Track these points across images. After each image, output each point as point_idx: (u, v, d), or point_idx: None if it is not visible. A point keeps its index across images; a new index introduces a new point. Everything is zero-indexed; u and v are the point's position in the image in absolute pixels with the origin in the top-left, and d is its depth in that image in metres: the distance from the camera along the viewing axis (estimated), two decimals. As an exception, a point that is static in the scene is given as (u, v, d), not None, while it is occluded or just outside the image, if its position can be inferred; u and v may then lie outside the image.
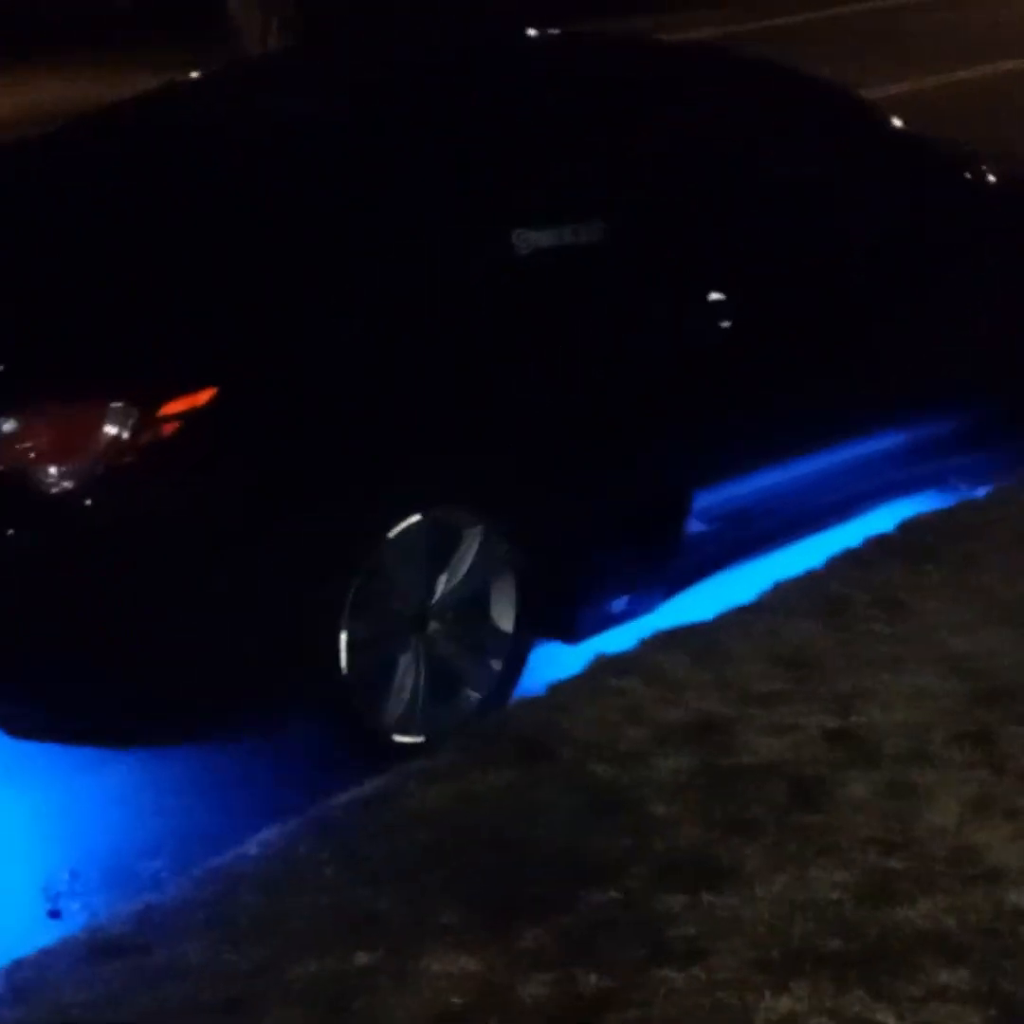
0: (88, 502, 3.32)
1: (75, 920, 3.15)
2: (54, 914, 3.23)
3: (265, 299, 3.56)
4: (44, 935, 3.00)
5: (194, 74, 5.07)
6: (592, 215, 4.01)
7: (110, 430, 3.29)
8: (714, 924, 2.76)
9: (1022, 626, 3.88)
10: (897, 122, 4.89)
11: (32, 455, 3.31)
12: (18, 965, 2.82)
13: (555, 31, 5.07)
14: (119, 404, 3.30)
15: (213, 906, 2.91)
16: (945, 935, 2.69)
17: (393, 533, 3.57)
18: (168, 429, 3.31)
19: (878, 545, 4.43)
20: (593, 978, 2.64)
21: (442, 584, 3.72)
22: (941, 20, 15.19)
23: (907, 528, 4.53)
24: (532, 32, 5.00)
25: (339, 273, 3.68)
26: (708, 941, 2.71)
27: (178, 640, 3.35)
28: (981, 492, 4.87)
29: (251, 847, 3.09)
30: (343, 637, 3.49)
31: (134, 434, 3.29)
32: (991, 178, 4.99)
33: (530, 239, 3.88)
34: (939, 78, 12.46)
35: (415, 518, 3.60)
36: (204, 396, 3.33)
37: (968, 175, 4.93)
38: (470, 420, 3.75)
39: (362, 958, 2.72)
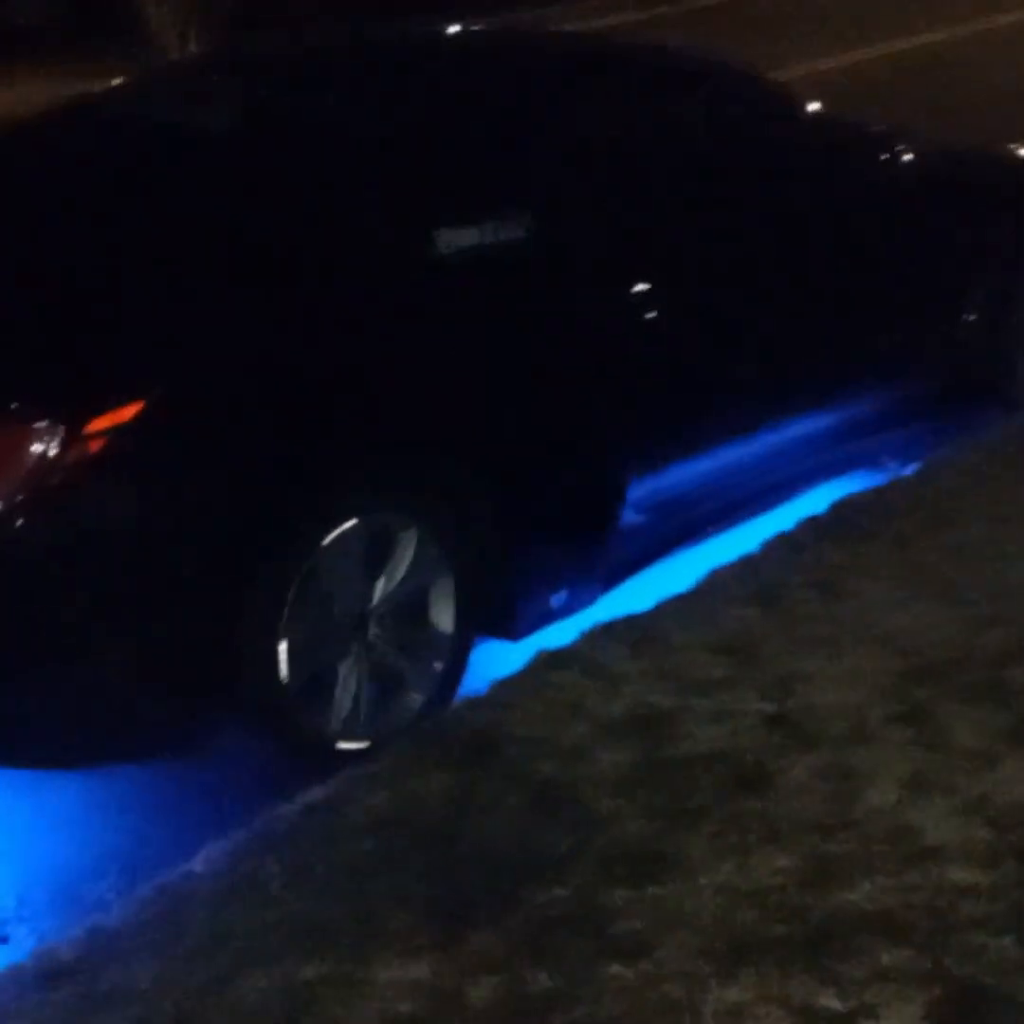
0: (17, 523, 3.29)
1: (23, 946, 3.13)
2: (2, 940, 3.21)
3: (188, 310, 3.54)
4: (-8, 962, 2.99)
5: (113, 82, 5.04)
6: (512, 211, 4.02)
7: (36, 449, 3.27)
8: (660, 916, 2.78)
9: (954, 602, 3.92)
10: (811, 104, 4.93)
11: (-42, 478, 3.28)
12: (-34, 994, 2.80)
13: (469, 26, 5.07)
14: (44, 423, 3.28)
15: (160, 925, 2.91)
16: (887, 916, 2.72)
17: (328, 539, 3.57)
18: (95, 446, 3.29)
19: (811, 527, 4.46)
20: (541, 977, 2.66)
21: (380, 588, 3.72)
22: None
23: (839, 509, 4.57)
24: (449, 28, 5.00)
25: (262, 280, 3.67)
26: (654, 934, 2.73)
27: (113, 658, 3.34)
28: (911, 470, 4.92)
29: (197, 864, 3.08)
30: (282, 645, 3.48)
31: (61, 452, 3.27)
32: (907, 157, 5.03)
33: (451, 238, 3.89)
34: (853, 55, 12.55)
35: (350, 523, 3.60)
36: (130, 411, 3.31)
37: (883, 155, 4.97)
38: (400, 423, 3.75)
39: (310, 970, 2.72)
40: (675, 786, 3.19)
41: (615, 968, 2.66)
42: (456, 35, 5.04)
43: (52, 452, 3.26)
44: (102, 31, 13.39)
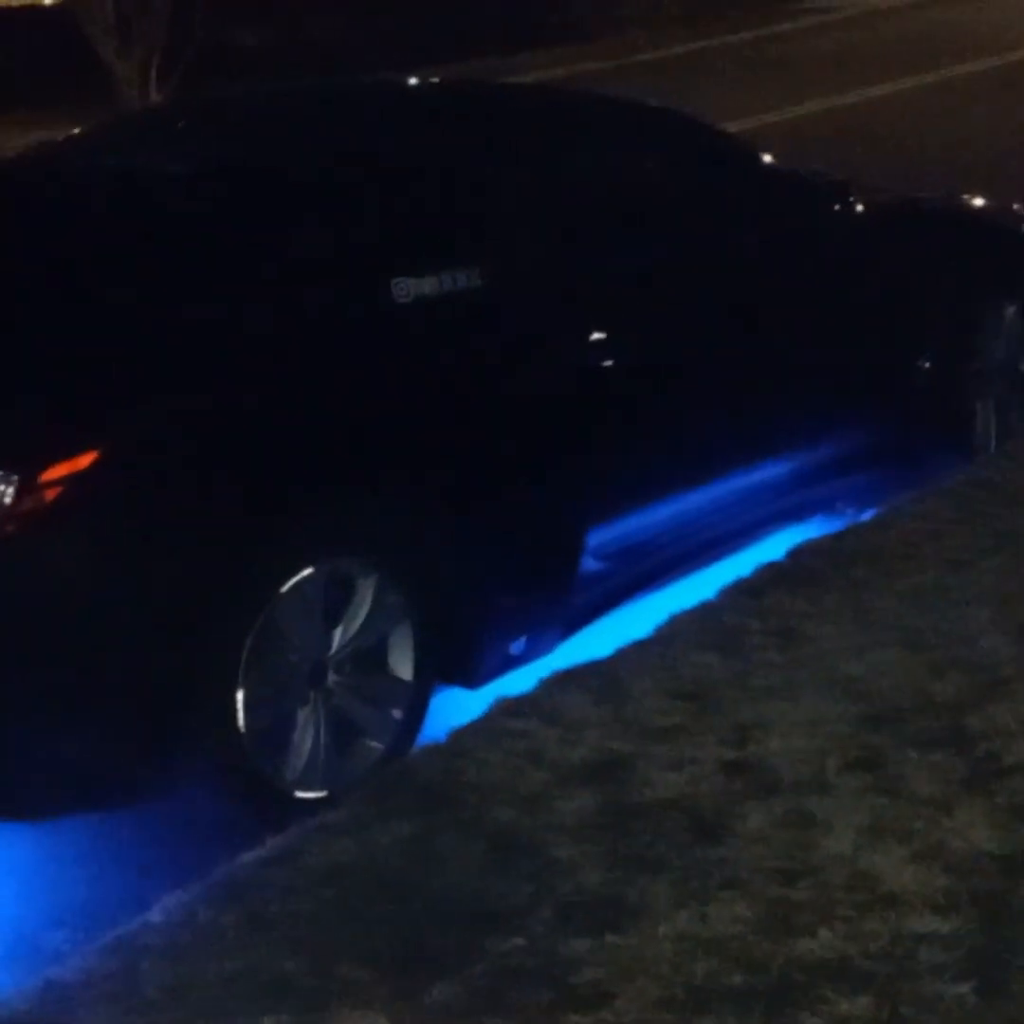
0: (-29, 571, 3.28)
1: (-23, 998, 3.09)
2: (-44, 993, 3.17)
3: (143, 359, 3.54)
4: (-55, 1017, 2.95)
5: (73, 131, 5.05)
6: (470, 261, 4.05)
7: None
8: (619, 965, 2.77)
9: (911, 647, 3.94)
10: (766, 156, 4.99)
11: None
12: (-82, 1050, 2.77)
13: (429, 78, 5.12)
14: None
15: (117, 978, 2.87)
16: (846, 963, 2.72)
17: (285, 587, 3.56)
18: (50, 494, 3.28)
19: (769, 573, 4.49)
20: (501, 1028, 2.64)
21: (338, 636, 3.71)
22: (817, 47, 15.50)
23: (797, 554, 4.59)
24: (407, 80, 5.05)
25: (218, 330, 3.68)
26: (614, 983, 2.73)
27: (70, 708, 3.32)
28: (868, 516, 4.96)
29: (154, 915, 3.05)
30: (240, 695, 3.47)
31: (15, 502, 3.26)
32: (859, 207, 5.09)
33: (410, 287, 3.91)
34: (815, 104, 12.72)
35: (307, 571, 3.60)
36: (85, 460, 3.31)
37: (837, 206, 5.03)
38: (359, 470, 3.75)
39: (269, 1022, 2.70)
40: (635, 834, 3.19)
41: (574, 1018, 2.65)
42: (416, 86, 5.08)
43: (6, 500, 3.26)
44: (71, 80, 13.44)
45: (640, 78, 13.45)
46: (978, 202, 5.82)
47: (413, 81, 5.24)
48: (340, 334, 3.82)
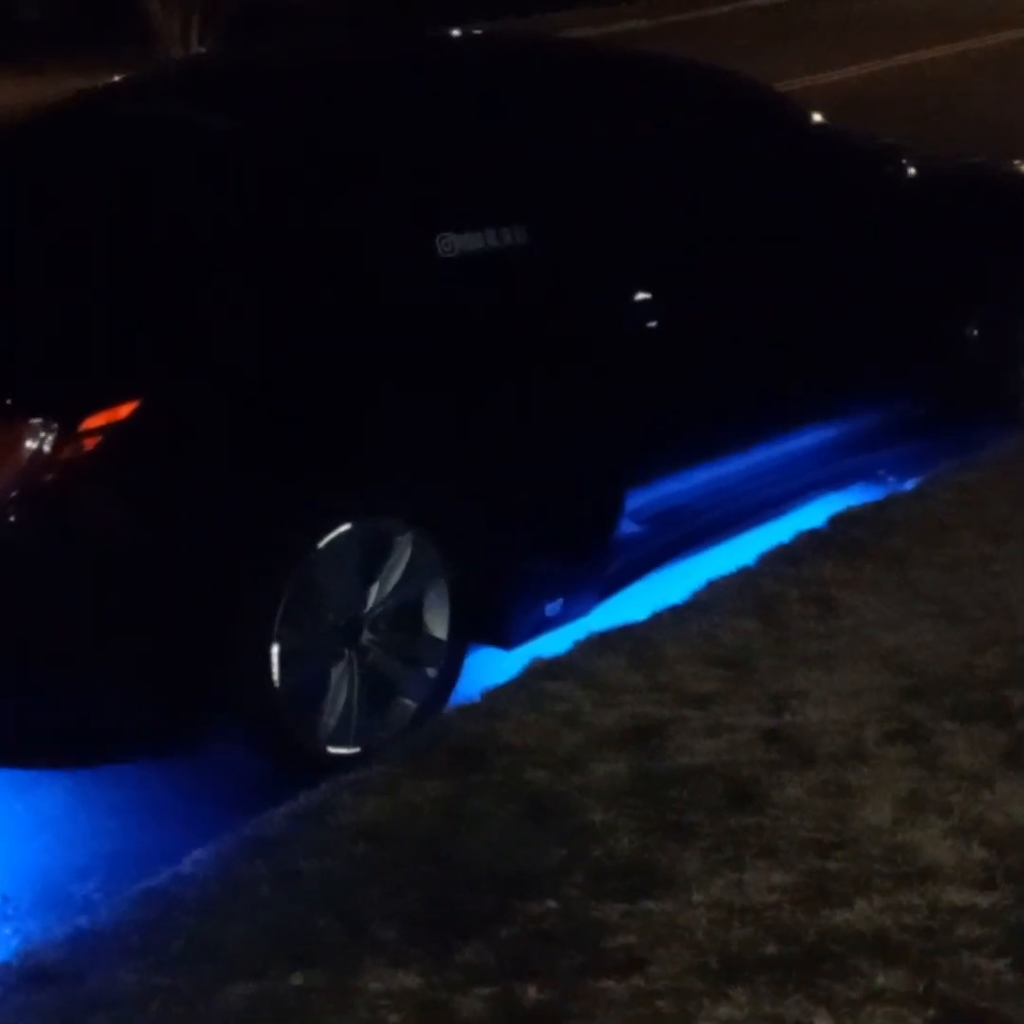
0: (10, 519, 3.26)
1: (7, 946, 3.10)
2: (-14, 941, 3.18)
3: (186, 309, 3.52)
4: (-25, 963, 2.96)
5: (109, 80, 5.01)
6: (516, 219, 4.00)
7: (30, 446, 3.24)
8: (652, 932, 2.75)
9: (950, 619, 3.90)
10: (816, 116, 4.91)
11: (-48, 475, 3.25)
12: (-52, 995, 2.77)
13: (471, 31, 5.05)
14: (39, 420, 3.25)
15: (147, 929, 2.87)
16: (882, 936, 2.69)
17: (323, 543, 3.54)
18: (90, 444, 3.27)
19: (809, 540, 4.44)
20: (532, 991, 2.62)
21: (374, 593, 3.69)
22: (860, 10, 15.32)
23: (837, 523, 4.55)
24: (450, 32, 4.98)
25: (261, 281, 3.64)
26: (647, 949, 2.70)
27: (105, 658, 3.31)
28: (910, 485, 4.91)
29: (185, 867, 3.05)
30: (275, 650, 3.46)
31: (55, 450, 3.24)
32: (912, 171, 5.02)
33: (454, 243, 3.87)
34: (859, 68, 12.56)
35: (345, 527, 3.58)
36: (125, 409, 3.29)
37: (888, 168, 4.95)
38: (399, 427, 3.72)
39: (299, 978, 2.69)
40: (670, 800, 3.16)
41: (607, 983, 2.63)
42: (459, 39, 5.02)
43: (46, 448, 3.24)
44: (105, 30, 13.39)
45: (675, 38, 13.30)
46: (1028, 169, 5.73)
47: (457, 33, 5.17)
48: (384, 289, 3.78)
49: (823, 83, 11.84)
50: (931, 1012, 2.50)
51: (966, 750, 3.27)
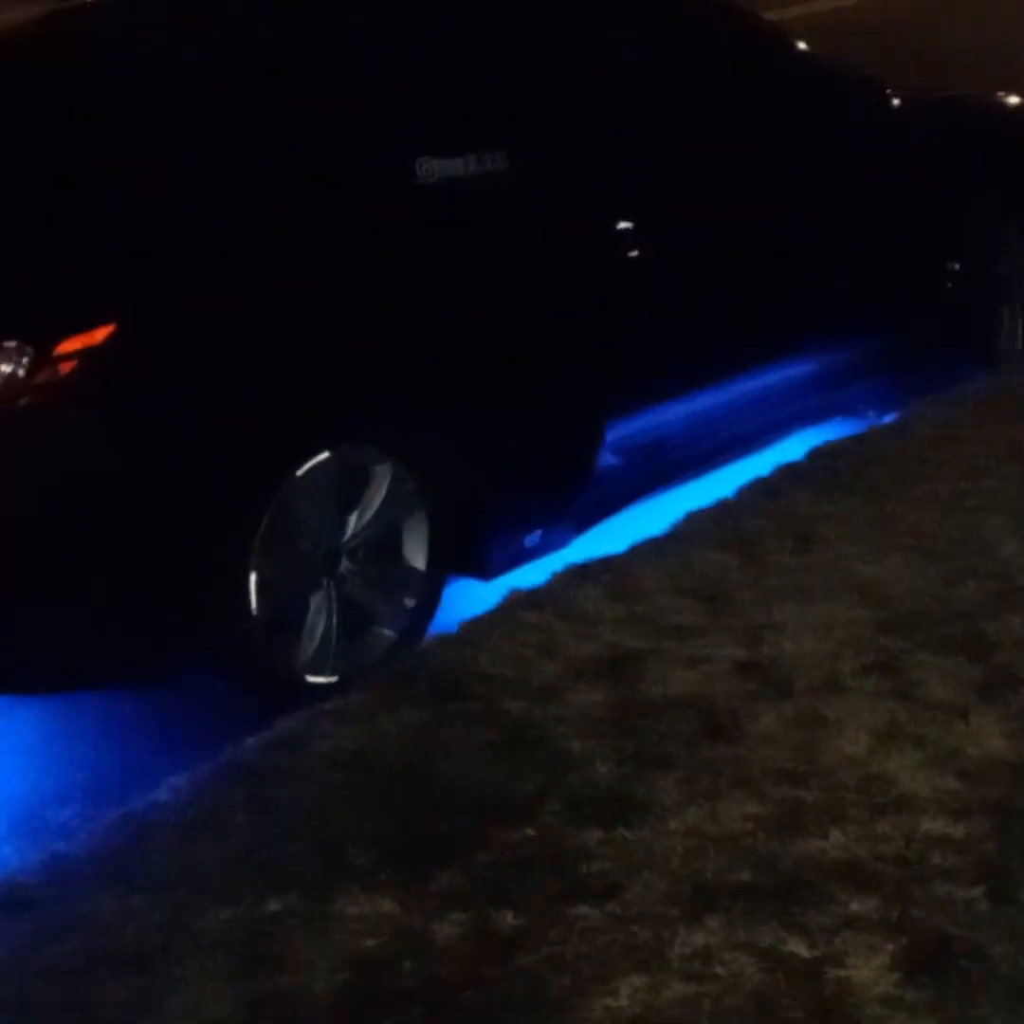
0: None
1: (-17, 872, 3.10)
2: (-38, 866, 3.18)
3: (160, 234, 3.48)
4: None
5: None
6: (496, 143, 3.96)
7: (4, 369, 3.21)
8: (628, 859, 2.76)
9: (927, 553, 3.91)
10: (801, 45, 4.86)
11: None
12: (-75, 919, 2.77)
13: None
14: (13, 343, 3.22)
15: (123, 855, 2.88)
16: (856, 865, 2.70)
17: (301, 471, 3.52)
18: (65, 368, 3.24)
19: (788, 474, 4.44)
20: (508, 917, 2.64)
21: (353, 522, 3.68)
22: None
23: (816, 456, 4.54)
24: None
25: (238, 204, 3.60)
26: (622, 876, 2.72)
27: (81, 585, 3.30)
28: (888, 419, 4.90)
29: (162, 794, 3.05)
30: (252, 578, 3.45)
31: (29, 373, 3.21)
32: (895, 102, 4.98)
33: (434, 168, 3.83)
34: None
35: (323, 456, 3.56)
36: (101, 333, 3.26)
37: (873, 99, 4.91)
38: (376, 355, 3.69)
39: (275, 904, 2.69)
40: (646, 730, 3.17)
41: (582, 909, 2.64)
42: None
43: (21, 372, 3.21)
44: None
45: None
46: (1014, 102, 5.69)
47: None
48: (361, 214, 3.74)
49: (812, 13, 11.71)
50: (904, 939, 2.52)
51: (941, 682, 3.28)
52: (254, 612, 3.46)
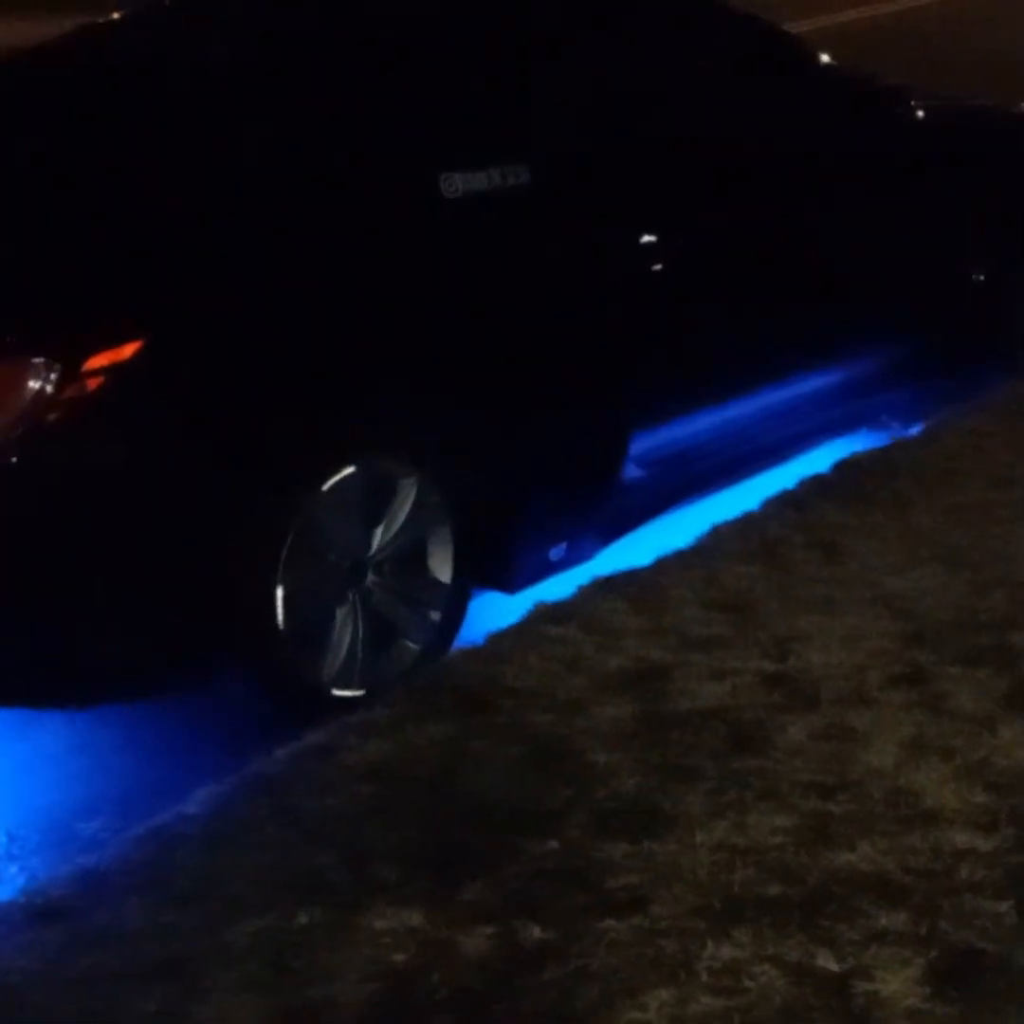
0: (12, 460, 3.25)
1: (13, 883, 3.11)
2: (-8, 878, 3.20)
3: (189, 249, 3.49)
4: (-19, 900, 2.97)
5: (113, 15, 4.95)
6: (519, 157, 3.97)
7: (33, 386, 3.23)
8: (655, 872, 2.76)
9: (953, 564, 3.90)
10: (824, 57, 4.87)
11: (-47, 414, 3.24)
12: (-45, 931, 2.78)
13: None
14: (41, 359, 3.24)
15: (152, 867, 2.89)
16: (885, 878, 2.70)
17: (327, 485, 3.53)
18: (93, 384, 3.25)
19: (813, 485, 4.44)
20: (535, 930, 2.64)
21: (378, 536, 3.69)
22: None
23: (841, 468, 4.55)
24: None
25: (265, 219, 3.62)
26: (649, 889, 2.72)
27: (110, 600, 3.31)
28: (914, 430, 4.90)
29: (190, 806, 3.06)
30: (279, 591, 3.46)
31: (58, 389, 3.23)
32: (919, 113, 4.98)
33: (458, 183, 3.84)
34: (873, 9, 12.44)
35: (349, 470, 3.57)
36: (129, 349, 3.27)
37: (897, 110, 4.92)
38: (403, 369, 3.71)
39: (303, 917, 2.70)
40: (673, 742, 3.17)
41: (609, 922, 2.64)
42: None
43: (49, 388, 3.22)
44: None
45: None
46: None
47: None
48: (387, 230, 3.75)
49: (834, 23, 11.73)
50: (933, 953, 2.52)
51: (969, 694, 3.28)
52: (281, 626, 3.47)
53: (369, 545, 3.68)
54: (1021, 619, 3.60)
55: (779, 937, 2.57)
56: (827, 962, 2.50)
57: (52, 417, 3.23)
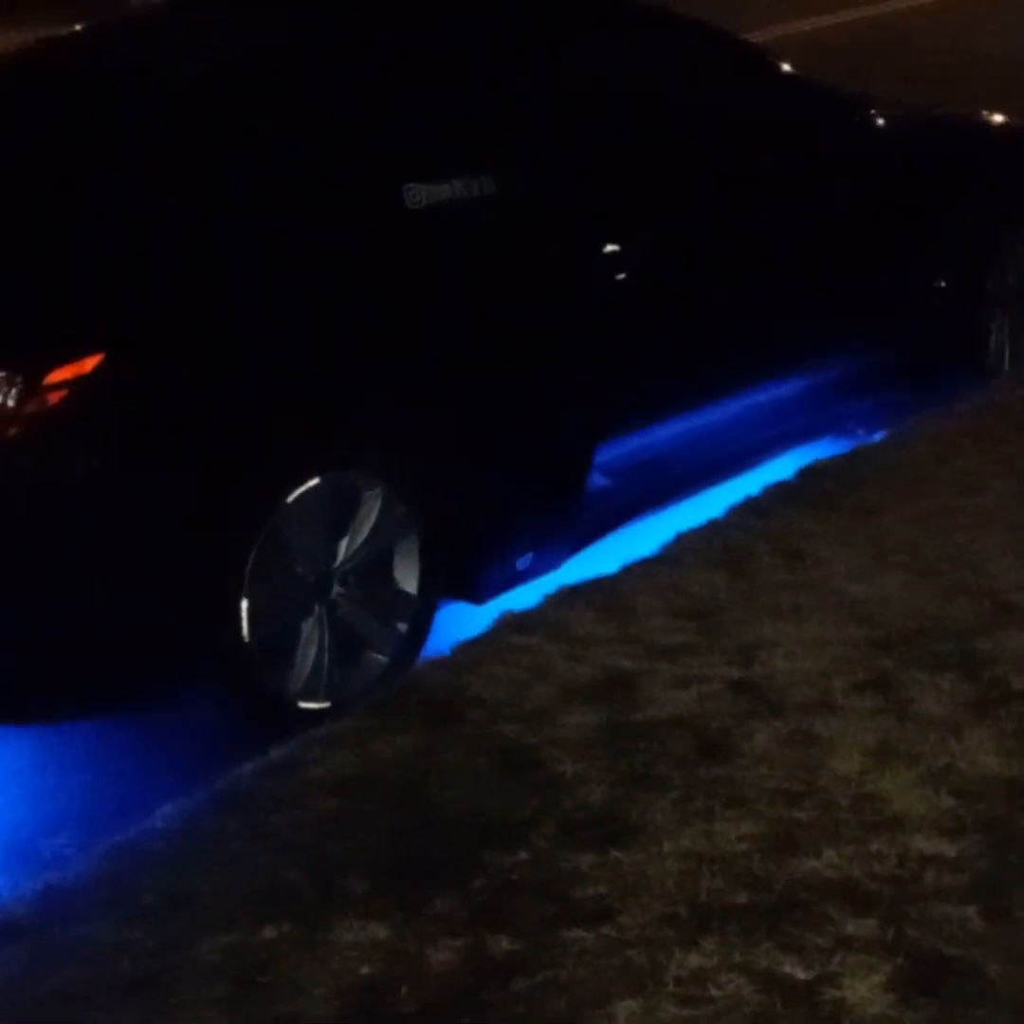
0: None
1: (-24, 901, 3.09)
2: (-44, 896, 3.17)
3: (150, 262, 3.48)
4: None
5: (75, 27, 4.93)
6: (483, 168, 3.97)
7: None
8: (622, 882, 2.76)
9: (918, 571, 3.91)
10: (785, 66, 4.89)
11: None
12: (-81, 949, 2.76)
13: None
14: (2, 373, 3.22)
15: (117, 883, 2.87)
16: (851, 885, 2.70)
17: (292, 497, 3.53)
18: (54, 398, 3.24)
19: (778, 493, 4.45)
20: (503, 941, 2.63)
21: (344, 548, 3.69)
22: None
23: (806, 475, 4.55)
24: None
25: (227, 233, 3.61)
26: (617, 899, 2.71)
27: (73, 615, 3.30)
28: (878, 437, 4.91)
29: (155, 821, 3.05)
30: (244, 605, 3.45)
31: (19, 403, 3.22)
32: (881, 121, 5.00)
33: (422, 193, 3.84)
34: (832, 18, 12.50)
35: (314, 482, 3.56)
36: (90, 362, 3.26)
37: (857, 118, 4.94)
38: (366, 381, 3.70)
39: (270, 931, 2.69)
40: (639, 751, 3.17)
41: (577, 932, 2.64)
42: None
43: (10, 402, 3.21)
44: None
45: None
46: (998, 120, 5.71)
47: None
48: (350, 241, 3.75)
49: (794, 32, 11.78)
50: (900, 960, 2.52)
51: (934, 700, 3.28)
52: (246, 638, 3.46)
53: (335, 557, 3.67)
54: (986, 625, 3.61)
55: (746, 945, 2.57)
56: (794, 969, 2.50)
57: (13, 431, 3.22)
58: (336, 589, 3.67)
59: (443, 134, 4.02)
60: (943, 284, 5.17)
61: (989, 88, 8.25)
